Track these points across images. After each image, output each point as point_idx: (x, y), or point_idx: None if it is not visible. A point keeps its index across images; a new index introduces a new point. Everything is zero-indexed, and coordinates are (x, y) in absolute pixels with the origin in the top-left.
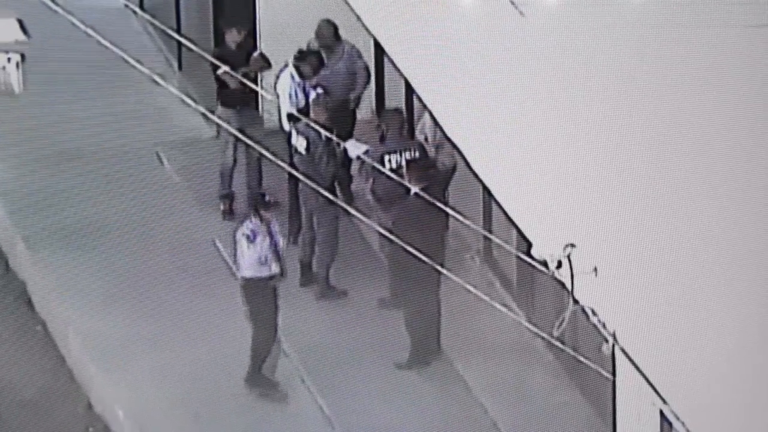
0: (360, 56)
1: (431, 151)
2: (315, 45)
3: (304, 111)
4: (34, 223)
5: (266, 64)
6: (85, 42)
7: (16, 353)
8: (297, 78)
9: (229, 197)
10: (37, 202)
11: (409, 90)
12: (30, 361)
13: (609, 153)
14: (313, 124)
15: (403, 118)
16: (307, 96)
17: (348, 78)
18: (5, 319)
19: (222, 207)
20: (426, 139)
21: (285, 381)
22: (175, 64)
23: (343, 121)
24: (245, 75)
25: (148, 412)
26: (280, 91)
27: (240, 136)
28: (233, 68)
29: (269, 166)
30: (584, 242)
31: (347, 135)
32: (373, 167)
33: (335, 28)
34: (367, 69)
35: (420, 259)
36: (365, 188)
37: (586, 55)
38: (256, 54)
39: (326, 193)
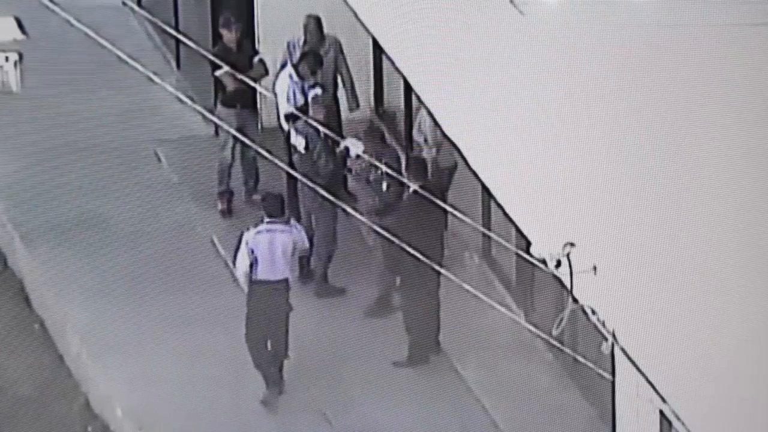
0: (341, 51)
1: (431, 152)
2: (299, 43)
3: (303, 110)
4: (31, 220)
5: (266, 71)
6: (83, 40)
7: (14, 351)
8: (295, 78)
9: (227, 195)
10: (35, 199)
11: (408, 89)
12: (28, 358)
13: (608, 152)
14: (312, 123)
15: (383, 133)
16: (306, 96)
17: (332, 72)
18: (2, 316)
19: (220, 206)
20: (425, 140)
21: (284, 378)
22: (173, 62)
23: (333, 118)
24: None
25: (146, 409)
26: (279, 91)
27: (239, 136)
28: (231, 68)
29: (269, 165)
30: (583, 241)
31: (337, 132)
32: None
33: (320, 24)
34: (347, 66)
35: (419, 258)
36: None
37: (586, 53)
38: (257, 60)
39: (324, 192)
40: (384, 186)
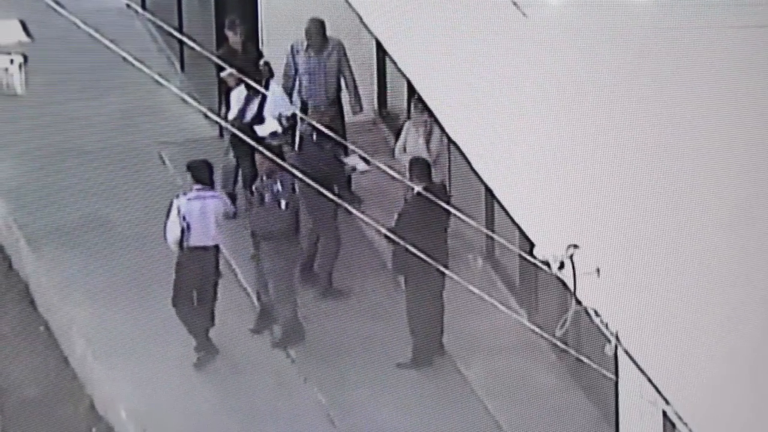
0: (345, 54)
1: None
2: (302, 46)
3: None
4: (36, 222)
5: (271, 75)
6: (88, 43)
7: (19, 353)
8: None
9: (230, 197)
10: (40, 201)
11: (411, 91)
12: (33, 360)
13: (611, 153)
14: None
15: (280, 148)
16: (261, 107)
17: (335, 74)
18: (8, 318)
19: None
20: (435, 160)
21: (288, 380)
22: (177, 64)
23: (337, 121)
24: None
25: (150, 411)
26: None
27: (244, 137)
28: (236, 71)
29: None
30: (587, 243)
31: (341, 134)
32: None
33: (323, 27)
34: (350, 68)
35: (423, 259)
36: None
37: (589, 55)
38: (262, 63)
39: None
40: (283, 204)
